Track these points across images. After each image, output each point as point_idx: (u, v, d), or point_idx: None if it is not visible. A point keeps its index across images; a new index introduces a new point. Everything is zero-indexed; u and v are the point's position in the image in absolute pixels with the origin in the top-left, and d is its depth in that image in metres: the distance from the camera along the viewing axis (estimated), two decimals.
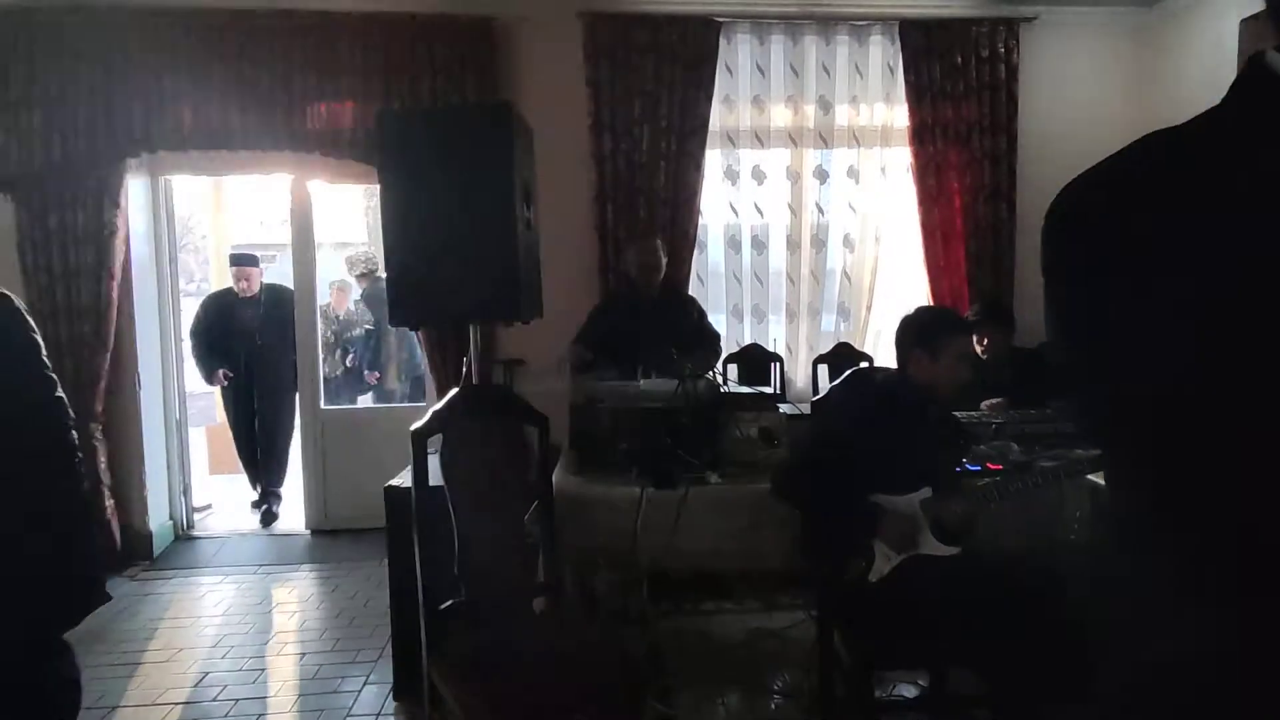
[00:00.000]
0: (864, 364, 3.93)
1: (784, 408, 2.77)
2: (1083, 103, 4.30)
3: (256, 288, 4.72)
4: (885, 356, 4.20)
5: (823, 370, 4.08)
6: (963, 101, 4.09)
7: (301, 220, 4.34)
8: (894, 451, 2.03)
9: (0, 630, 1.39)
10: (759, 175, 4.13)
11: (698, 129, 3.96)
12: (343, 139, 3.88)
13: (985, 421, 2.70)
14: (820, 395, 2.45)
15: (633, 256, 3.44)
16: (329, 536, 4.44)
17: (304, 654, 3.09)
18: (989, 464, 2.41)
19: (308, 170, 4.18)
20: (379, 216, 2.66)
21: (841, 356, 4.08)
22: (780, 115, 4.11)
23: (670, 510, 2.38)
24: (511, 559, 2.09)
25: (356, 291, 5.90)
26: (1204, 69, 3.97)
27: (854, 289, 4.22)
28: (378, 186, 2.61)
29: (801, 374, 4.20)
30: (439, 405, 2.01)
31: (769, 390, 2.85)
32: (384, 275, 5.18)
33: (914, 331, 2.16)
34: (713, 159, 4.08)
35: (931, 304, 4.03)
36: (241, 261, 4.75)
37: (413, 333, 5.03)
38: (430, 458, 1.97)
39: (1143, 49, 4.28)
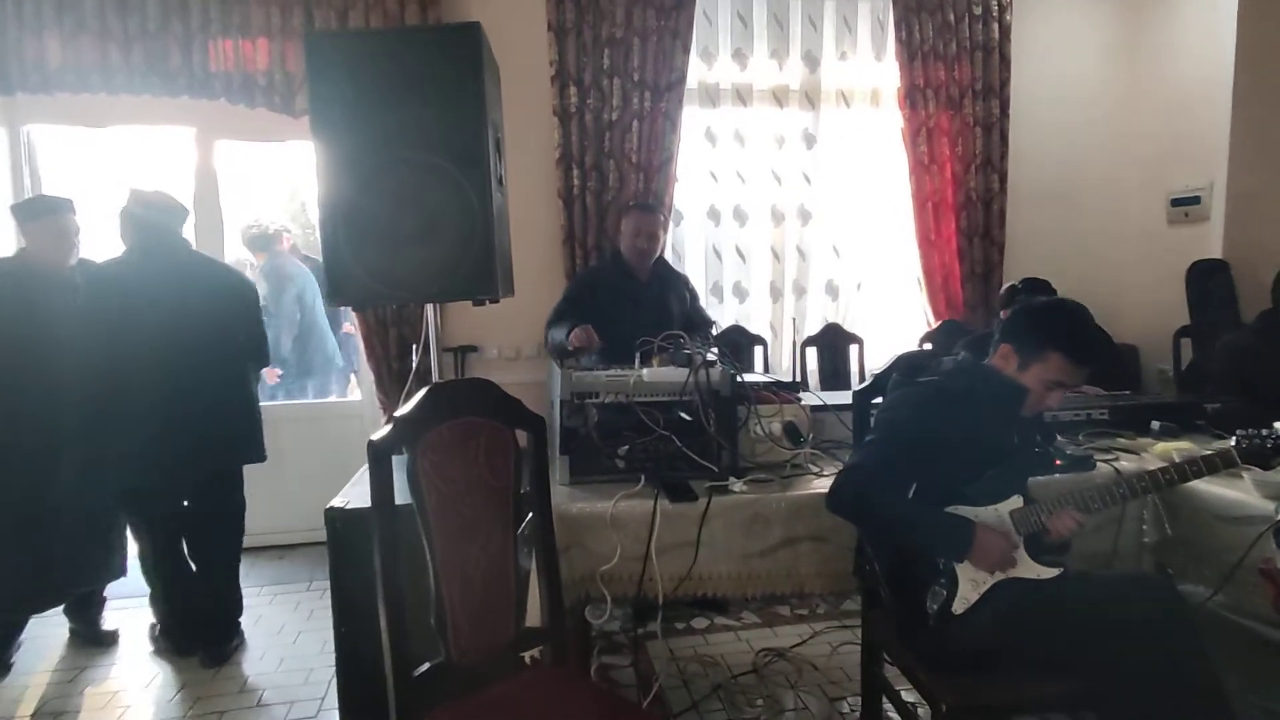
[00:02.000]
0: (926, 345, 3.60)
1: (805, 398, 2.37)
2: (1073, 69, 4.08)
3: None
4: (876, 340, 3.89)
5: (811, 354, 3.73)
6: (955, 63, 3.79)
7: (205, 186, 3.66)
8: (978, 455, 1.66)
9: None
10: (741, 138, 3.72)
11: (674, 84, 3.51)
12: (255, 84, 3.24)
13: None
14: (863, 385, 2.06)
15: (629, 228, 2.97)
16: None
17: None
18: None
19: (213, 124, 3.51)
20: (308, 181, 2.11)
21: (831, 339, 3.75)
22: (764, 72, 3.71)
23: (689, 527, 1.95)
24: (505, 600, 1.62)
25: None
26: (1198, 39, 3.79)
27: (843, 265, 3.87)
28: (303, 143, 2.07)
29: (787, 358, 3.84)
30: (406, 409, 1.51)
31: (787, 379, 2.45)
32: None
33: (1017, 321, 1.77)
34: (690, 119, 3.64)
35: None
36: None
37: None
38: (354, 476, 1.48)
39: (1136, 15, 4.08)
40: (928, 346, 3.73)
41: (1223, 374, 3.00)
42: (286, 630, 2.98)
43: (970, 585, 1.64)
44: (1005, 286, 2.84)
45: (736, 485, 2.03)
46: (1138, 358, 3.99)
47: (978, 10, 3.78)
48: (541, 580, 1.71)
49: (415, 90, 1.98)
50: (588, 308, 2.80)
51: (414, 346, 3.30)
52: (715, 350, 2.26)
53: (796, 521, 1.99)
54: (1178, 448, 2.33)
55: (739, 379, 2.16)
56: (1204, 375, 3.39)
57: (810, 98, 3.74)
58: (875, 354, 3.87)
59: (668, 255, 3.59)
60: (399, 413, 1.50)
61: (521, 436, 1.67)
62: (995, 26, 3.81)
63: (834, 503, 1.73)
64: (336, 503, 2.01)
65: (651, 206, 3.19)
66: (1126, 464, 2.30)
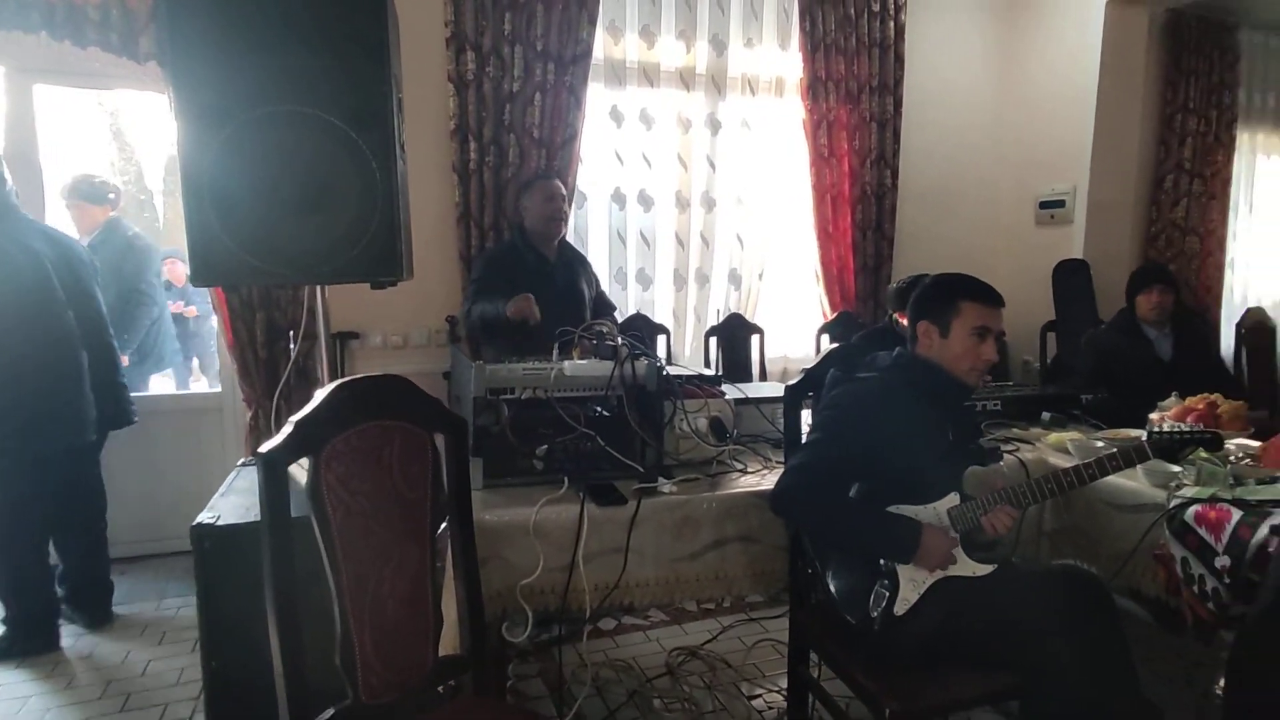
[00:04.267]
0: (860, 335, 3.56)
1: (726, 391, 2.29)
2: (958, 73, 4.26)
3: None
4: (776, 329, 3.91)
5: (714, 343, 3.69)
6: (854, 58, 3.85)
7: (19, 136, 3.08)
8: (918, 452, 1.64)
9: None
10: (647, 119, 3.59)
11: (580, 57, 3.32)
12: (85, 18, 2.74)
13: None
14: (796, 381, 2.00)
15: (532, 203, 2.77)
16: None
17: None
18: None
19: (29, 63, 2.95)
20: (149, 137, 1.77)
21: (735, 328, 3.72)
22: (671, 53, 3.59)
23: (617, 532, 1.82)
24: (422, 628, 1.42)
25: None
26: (1067, 54, 4.05)
27: (745, 254, 3.84)
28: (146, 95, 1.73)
29: (689, 347, 3.78)
30: (306, 411, 1.27)
31: (695, 370, 2.36)
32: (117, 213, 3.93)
33: (920, 300, 1.78)
34: (596, 96, 3.47)
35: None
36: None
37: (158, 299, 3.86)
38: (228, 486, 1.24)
39: (1014, 24, 4.30)
40: (825, 338, 3.78)
41: (1089, 368, 3.23)
42: (133, 660, 2.57)
43: (910, 586, 1.61)
44: (893, 286, 2.90)
45: (666, 486, 1.91)
46: (1008, 351, 4.25)
47: (876, 7, 3.85)
48: (462, 602, 1.52)
49: (302, 34, 1.69)
50: (502, 288, 2.59)
51: (291, 333, 2.94)
52: (633, 341, 2.13)
53: (727, 522, 1.91)
54: (1069, 438, 2.46)
55: (665, 373, 2.04)
56: (1067, 367, 3.65)
57: (717, 83, 3.67)
58: (775, 345, 3.89)
59: (570, 239, 3.42)
60: (298, 416, 1.26)
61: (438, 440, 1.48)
62: (891, 25, 3.90)
63: (779, 504, 1.66)
64: (205, 518, 1.70)
65: (546, 174, 3.03)
66: (1026, 454, 2.40)
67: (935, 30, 4.13)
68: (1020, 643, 1.53)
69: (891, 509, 1.65)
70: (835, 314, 3.90)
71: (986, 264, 4.26)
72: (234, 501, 1.78)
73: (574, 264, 2.87)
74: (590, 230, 3.57)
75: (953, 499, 1.66)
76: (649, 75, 3.55)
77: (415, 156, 2.12)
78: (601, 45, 3.43)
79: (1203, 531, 1.88)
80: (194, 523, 1.67)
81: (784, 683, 2.17)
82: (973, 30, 4.28)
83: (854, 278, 3.96)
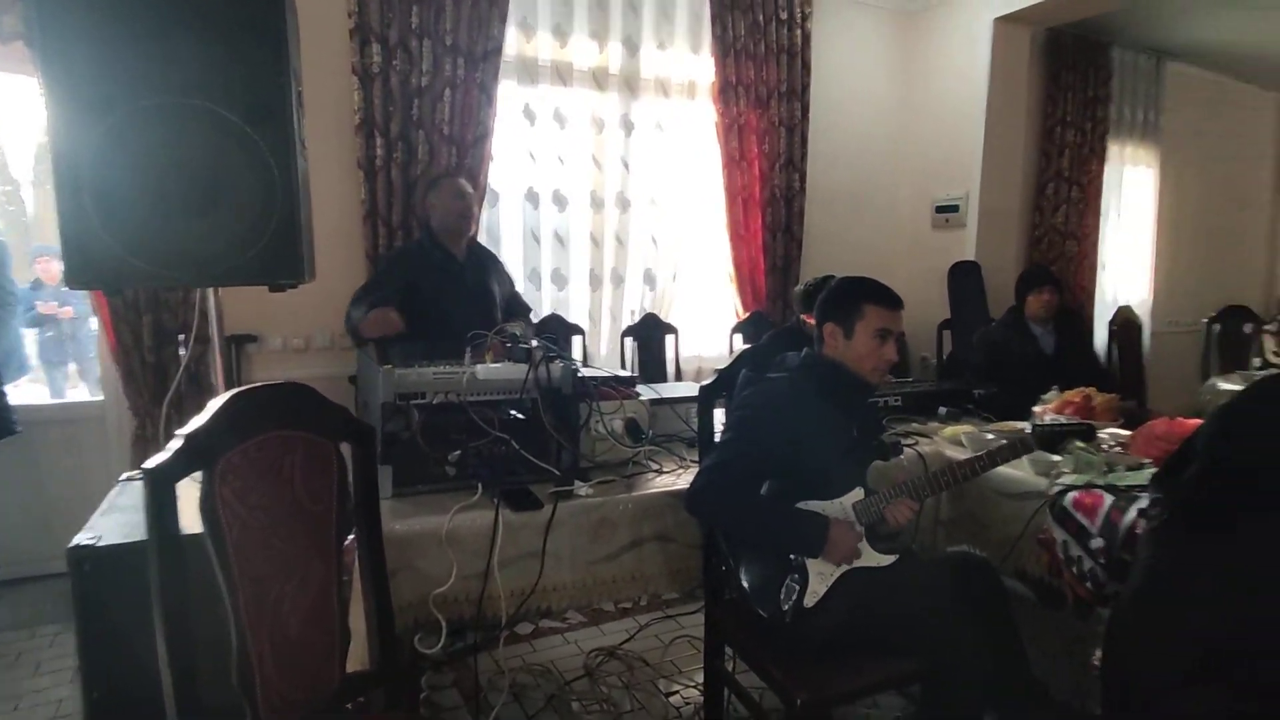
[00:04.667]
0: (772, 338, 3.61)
1: (641, 392, 2.31)
2: (861, 82, 4.43)
3: None
4: (690, 329, 3.97)
5: (629, 343, 3.71)
6: (764, 63, 3.94)
7: None
8: (827, 450, 1.70)
9: None
10: (561, 119, 3.56)
11: (490, 54, 3.27)
12: None
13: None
14: (709, 382, 2.03)
15: (439, 200, 2.70)
16: None
17: None
18: None
19: None
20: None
21: (650, 329, 3.75)
22: (584, 52, 3.58)
23: (534, 537, 1.81)
24: (327, 645, 1.37)
25: None
26: (960, 66, 4.29)
27: (660, 255, 3.88)
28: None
29: (605, 348, 3.78)
30: (196, 424, 1.20)
31: (626, 373, 2.37)
32: None
33: (825, 303, 1.85)
34: (508, 94, 3.42)
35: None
36: None
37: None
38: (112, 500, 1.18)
39: (912, 38, 4.52)
40: (739, 338, 3.87)
41: (981, 364, 3.43)
42: (4, 694, 2.36)
43: (819, 579, 1.67)
44: (800, 288, 3.00)
45: (582, 489, 1.91)
46: (908, 349, 4.46)
47: (784, 15, 3.96)
48: (371, 615, 1.47)
49: (192, 20, 1.59)
50: (402, 288, 2.51)
51: (182, 337, 2.76)
52: (547, 343, 2.12)
53: (643, 522, 1.93)
54: (963, 431, 2.60)
55: (580, 375, 2.04)
56: (962, 363, 3.87)
57: (630, 84, 3.68)
58: (690, 344, 3.94)
59: (483, 239, 3.36)
60: (188, 428, 1.19)
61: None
62: (799, 33, 4.01)
63: (694, 505, 1.68)
64: (83, 538, 1.58)
65: (451, 172, 2.98)
66: (928, 449, 2.52)
67: (840, 41, 4.28)
68: (920, 628, 1.62)
69: (801, 505, 1.71)
70: (748, 314, 3.99)
71: (888, 265, 4.46)
72: (117, 520, 1.66)
73: (484, 263, 2.83)
74: (504, 230, 3.51)
75: (858, 494, 1.74)
76: (562, 74, 3.53)
77: (318, 152, 2.04)
78: (514, 42, 3.39)
79: (1080, 516, 2.03)
80: (72, 544, 1.54)
81: (700, 678, 2.21)
82: (875, 42, 4.46)
83: (765, 278, 4.07)
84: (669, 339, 3.77)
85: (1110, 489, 2.06)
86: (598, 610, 2.91)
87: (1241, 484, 1.62)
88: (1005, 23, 4.12)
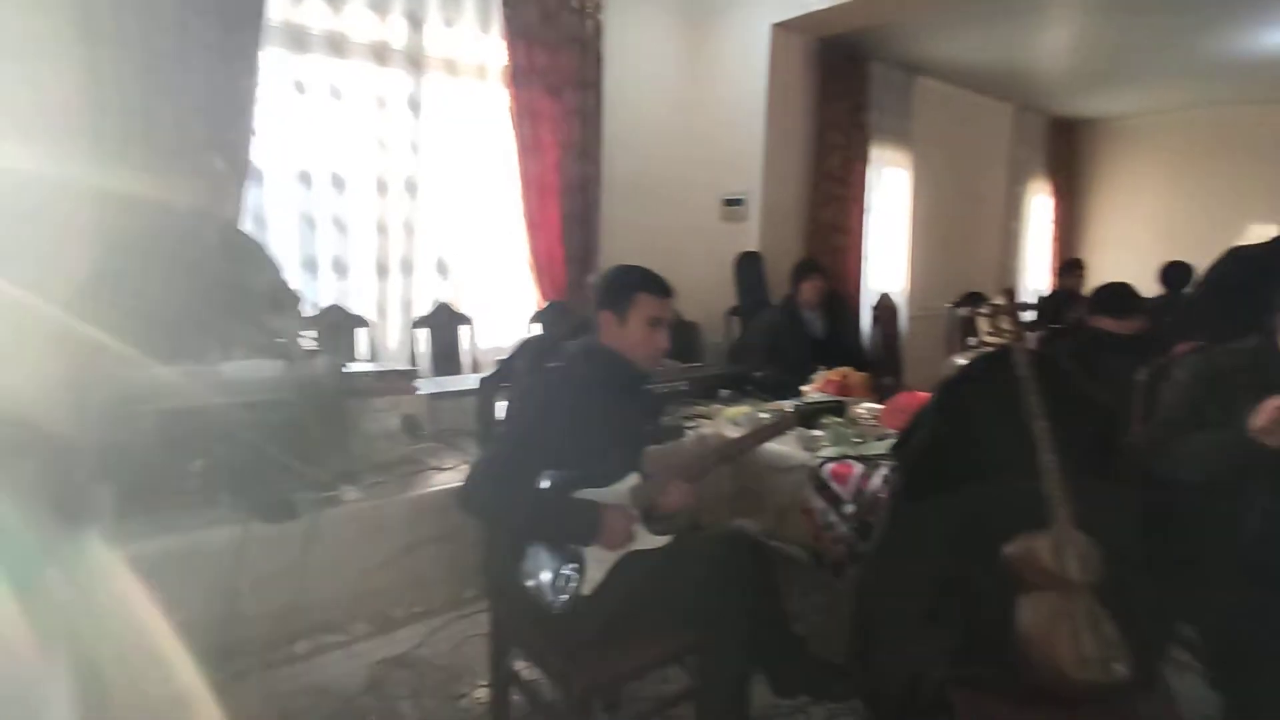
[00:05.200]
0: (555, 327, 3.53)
1: (422, 386, 2.21)
2: (653, 76, 4.55)
3: None
4: (488, 321, 3.88)
5: (422, 335, 3.55)
6: (556, 50, 3.92)
7: None
8: (605, 438, 1.72)
9: None
10: (337, 94, 3.30)
11: (250, 18, 2.95)
12: None
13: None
14: (490, 373, 1.98)
15: (182, 179, 2.38)
16: None
17: None
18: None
19: None
20: None
21: (443, 319, 3.61)
22: (361, 22, 3.34)
23: (292, 548, 1.66)
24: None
25: None
26: (742, 67, 4.54)
27: (453, 243, 3.74)
28: None
29: (395, 341, 3.59)
30: None
31: (399, 365, 2.25)
32: None
33: (601, 291, 1.87)
34: (274, 63, 3.10)
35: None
36: None
37: None
38: None
39: (699, 37, 4.70)
40: (537, 327, 3.84)
41: (760, 347, 3.68)
42: None
43: (597, 565, 1.70)
44: (593, 280, 3.04)
45: (350, 493, 1.79)
46: (699, 334, 4.67)
47: (575, 4, 3.95)
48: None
49: None
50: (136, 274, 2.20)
51: None
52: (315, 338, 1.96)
53: (420, 523, 1.85)
54: (741, 412, 2.78)
55: (347, 370, 1.91)
56: (746, 348, 4.13)
57: (415, 61, 3.50)
58: (487, 336, 3.85)
59: (248, 224, 3.04)
60: None
61: None
62: (590, 23, 4.03)
63: (465, 501, 1.63)
64: None
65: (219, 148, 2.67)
66: (707, 429, 2.66)
67: (632, 36, 4.36)
68: (690, 602, 1.70)
69: (579, 495, 1.72)
70: (546, 303, 3.97)
71: (681, 254, 4.63)
72: None
73: (240, 250, 2.56)
74: (273, 213, 3.20)
75: (633, 479, 1.78)
76: (336, 45, 3.28)
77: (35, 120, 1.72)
78: (279, 5, 3.08)
79: (835, 485, 2.24)
80: None
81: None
82: (665, 39, 4.60)
83: (563, 267, 4.07)
84: (463, 330, 3.66)
85: (861, 459, 2.29)
86: (389, 617, 2.76)
87: (953, 449, 1.87)
88: (782, 30, 4.41)
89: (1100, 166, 7.75)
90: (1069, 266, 6.43)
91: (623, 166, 4.37)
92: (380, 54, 3.41)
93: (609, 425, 1.74)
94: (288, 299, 2.73)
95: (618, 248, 4.25)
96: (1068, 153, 7.66)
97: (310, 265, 3.31)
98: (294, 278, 3.12)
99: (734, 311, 4.47)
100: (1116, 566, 1.56)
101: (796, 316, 3.65)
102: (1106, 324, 2.66)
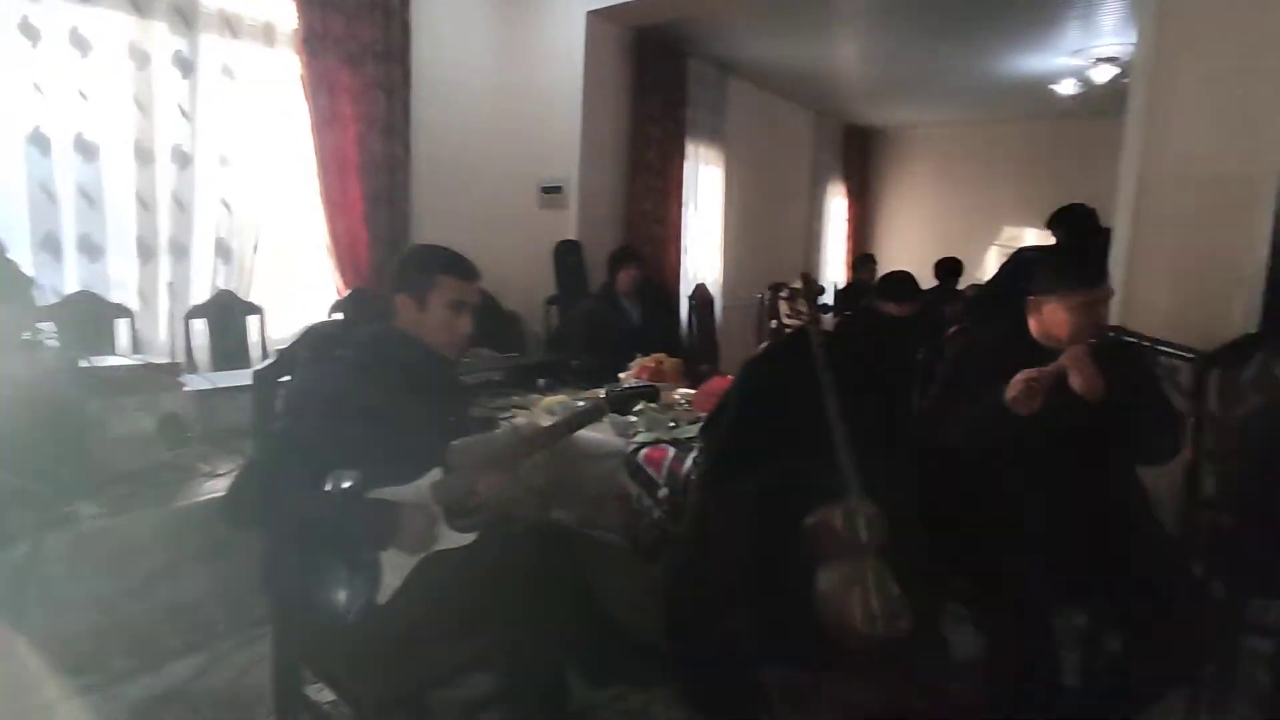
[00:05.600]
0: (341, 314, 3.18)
1: (190, 382, 1.93)
2: (467, 55, 4.36)
3: None
4: (281, 310, 3.52)
5: (199, 326, 3.14)
6: (355, 17, 3.62)
7: None
8: (402, 431, 1.58)
9: None
10: (81, 44, 2.81)
11: None
12: None
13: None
14: (268, 363, 1.75)
15: None
16: None
17: None
18: None
19: None
20: None
21: (225, 308, 3.22)
22: None
23: (9, 583, 1.37)
24: None
25: None
26: (558, 54, 4.46)
27: (236, 223, 3.34)
28: None
29: (165, 333, 3.14)
30: None
31: (162, 360, 1.94)
32: None
33: (398, 272, 1.73)
34: None
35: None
36: None
37: None
38: None
39: (513, 15, 4.55)
40: (339, 316, 3.54)
41: (578, 336, 3.65)
42: None
43: (393, 570, 1.55)
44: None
45: (86, 510, 1.51)
46: (519, 324, 4.56)
47: None
48: None
49: None
50: None
51: None
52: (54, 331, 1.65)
53: (184, 539, 1.60)
54: (557, 401, 2.72)
55: (87, 366, 1.61)
56: (566, 337, 4.09)
57: (184, 14, 3.07)
58: (280, 326, 3.49)
59: None
60: None
61: None
62: None
63: (231, 511, 1.43)
64: None
65: None
66: (521, 419, 2.57)
67: (443, 9, 4.14)
68: (500, 600, 1.60)
69: (374, 495, 1.57)
70: (349, 291, 3.67)
71: (498, 241, 4.48)
72: None
73: None
74: None
75: (436, 474, 1.65)
76: None
77: None
78: None
79: (649, 469, 2.24)
80: None
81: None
82: (480, 16, 4.42)
83: (368, 252, 3.78)
84: (251, 320, 3.29)
85: (674, 442, 2.32)
86: (154, 650, 2.41)
87: (757, 428, 1.93)
88: (598, 18, 4.39)
89: (888, 171, 8.57)
90: (862, 261, 7.05)
91: (435, 148, 4.15)
92: (139, 2, 2.95)
93: (406, 418, 1.60)
94: (22, 282, 2.29)
95: (431, 233, 4.02)
96: (861, 158, 8.38)
97: (50, 244, 2.80)
98: (23, 259, 2.62)
99: (553, 300, 4.40)
100: (899, 529, 1.68)
101: (614, 305, 3.65)
102: (889, 307, 2.90)
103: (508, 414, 2.55)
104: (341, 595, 1.51)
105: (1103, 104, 5.01)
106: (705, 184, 5.80)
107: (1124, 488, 1.91)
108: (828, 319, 5.48)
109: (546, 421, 2.51)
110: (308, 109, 3.49)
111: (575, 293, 4.30)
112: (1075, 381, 1.74)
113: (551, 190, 4.57)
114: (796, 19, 4.68)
